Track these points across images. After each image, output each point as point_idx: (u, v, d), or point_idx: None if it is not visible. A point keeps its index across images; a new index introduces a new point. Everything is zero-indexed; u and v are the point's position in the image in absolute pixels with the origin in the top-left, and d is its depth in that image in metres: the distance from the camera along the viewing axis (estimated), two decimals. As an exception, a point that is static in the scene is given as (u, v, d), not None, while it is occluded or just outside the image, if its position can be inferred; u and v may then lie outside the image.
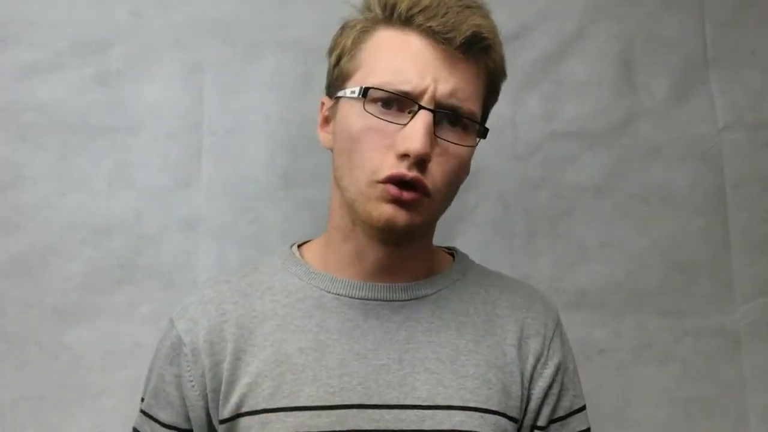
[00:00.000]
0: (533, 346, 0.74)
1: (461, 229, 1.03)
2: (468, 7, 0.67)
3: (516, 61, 1.07)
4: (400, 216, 0.66)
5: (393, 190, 0.65)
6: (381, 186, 0.66)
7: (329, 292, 0.72)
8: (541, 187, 1.05)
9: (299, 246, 0.79)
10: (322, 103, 0.75)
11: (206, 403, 0.71)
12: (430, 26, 0.66)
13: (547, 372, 0.74)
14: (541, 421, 0.74)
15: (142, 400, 0.75)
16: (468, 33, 0.66)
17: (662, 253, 1.06)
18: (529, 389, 0.73)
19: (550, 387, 0.74)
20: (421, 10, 0.66)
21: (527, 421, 0.73)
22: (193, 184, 0.99)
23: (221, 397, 0.70)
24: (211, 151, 0.99)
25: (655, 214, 1.07)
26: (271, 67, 1.01)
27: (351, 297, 0.72)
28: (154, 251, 0.97)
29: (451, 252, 0.82)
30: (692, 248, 1.07)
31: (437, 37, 0.66)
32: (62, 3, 0.97)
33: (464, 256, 0.81)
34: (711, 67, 1.10)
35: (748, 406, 1.05)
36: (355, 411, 0.67)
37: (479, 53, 0.68)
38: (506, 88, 1.05)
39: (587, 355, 1.02)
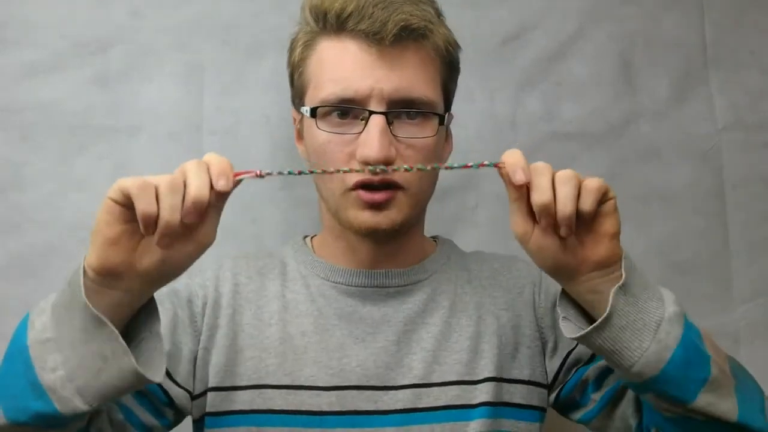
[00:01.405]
0: (525, 297, 0.78)
1: (461, 229, 1.03)
2: (392, 3, 0.67)
3: (516, 61, 1.07)
4: (381, 220, 0.68)
5: (365, 195, 0.67)
6: (353, 193, 0.68)
7: (329, 280, 0.75)
8: (541, 187, 1.05)
9: (312, 238, 0.83)
10: (294, 118, 0.79)
11: (194, 353, 0.71)
12: (360, 29, 0.66)
13: (546, 305, 0.77)
14: (567, 343, 0.75)
15: None
16: (395, 30, 0.66)
17: (662, 253, 1.06)
18: (542, 334, 0.76)
19: (555, 316, 0.75)
20: (349, 15, 0.67)
21: (560, 353, 0.75)
22: (193, 184, 0.99)
23: (224, 364, 0.71)
24: (211, 151, 0.99)
25: (655, 214, 1.07)
26: (271, 67, 1.01)
27: (349, 285, 0.75)
28: (155, 251, 0.97)
29: (434, 238, 0.85)
30: (691, 248, 1.07)
31: (369, 38, 0.66)
32: (62, 3, 0.97)
33: (446, 241, 0.84)
34: (711, 67, 1.10)
35: (748, 406, 1.05)
36: (354, 392, 0.70)
37: (418, 41, 0.69)
38: (506, 88, 1.07)
39: (587, 355, 1.02)
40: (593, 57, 1.08)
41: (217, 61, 1.00)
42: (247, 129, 1.00)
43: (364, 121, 0.67)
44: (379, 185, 0.67)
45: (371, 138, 0.65)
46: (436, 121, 0.70)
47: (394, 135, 0.67)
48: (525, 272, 0.80)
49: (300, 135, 0.77)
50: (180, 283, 0.74)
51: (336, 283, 0.75)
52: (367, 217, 0.68)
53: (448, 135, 0.78)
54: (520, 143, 1.06)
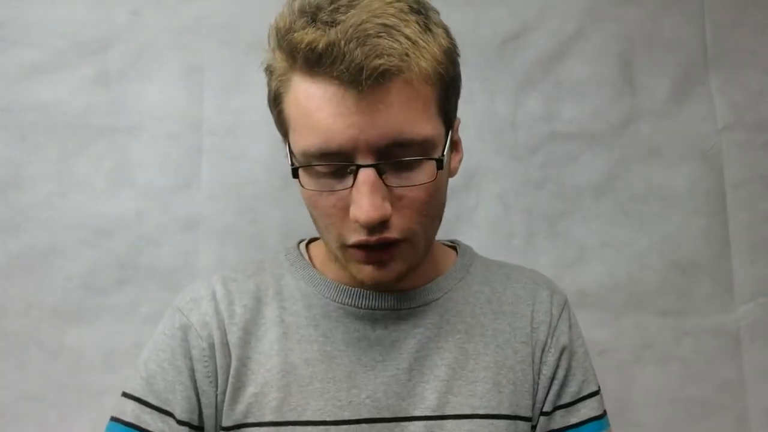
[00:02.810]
0: (540, 337, 0.73)
1: (461, 229, 1.03)
2: (366, 37, 0.56)
3: (516, 61, 1.07)
4: (385, 274, 0.64)
5: (361, 255, 0.62)
6: (351, 250, 0.63)
7: (335, 301, 0.70)
8: (541, 187, 1.05)
9: (307, 244, 0.77)
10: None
11: (218, 402, 0.69)
12: (334, 74, 0.57)
13: (551, 359, 0.72)
14: (547, 407, 0.72)
15: (134, 397, 0.69)
16: (371, 79, 0.56)
17: (662, 253, 1.06)
18: (538, 380, 0.72)
19: (554, 373, 0.72)
20: (318, 57, 0.57)
21: (536, 411, 0.72)
22: (193, 184, 0.99)
23: (227, 402, 0.68)
24: (211, 151, 0.99)
25: (655, 214, 1.07)
26: (271, 67, 1.01)
27: (357, 307, 0.69)
28: (155, 251, 0.97)
29: (454, 245, 0.80)
30: (692, 248, 1.07)
31: (344, 83, 0.57)
32: (62, 3, 0.97)
33: (466, 250, 0.79)
34: (711, 67, 1.10)
35: (748, 406, 1.05)
36: (364, 426, 0.66)
37: (401, 74, 0.58)
38: (506, 88, 1.07)
39: (587, 355, 1.02)
40: (593, 57, 1.08)
41: (217, 61, 1.00)
42: (247, 129, 1.00)
43: (352, 174, 0.59)
44: (377, 245, 0.61)
45: (361, 197, 0.58)
46: (433, 162, 0.61)
47: (387, 185, 0.59)
48: (547, 306, 0.74)
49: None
50: (174, 336, 0.70)
51: (343, 304, 0.69)
52: (369, 272, 0.63)
53: (456, 143, 0.70)
54: (520, 143, 1.06)
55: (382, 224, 0.60)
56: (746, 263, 1.07)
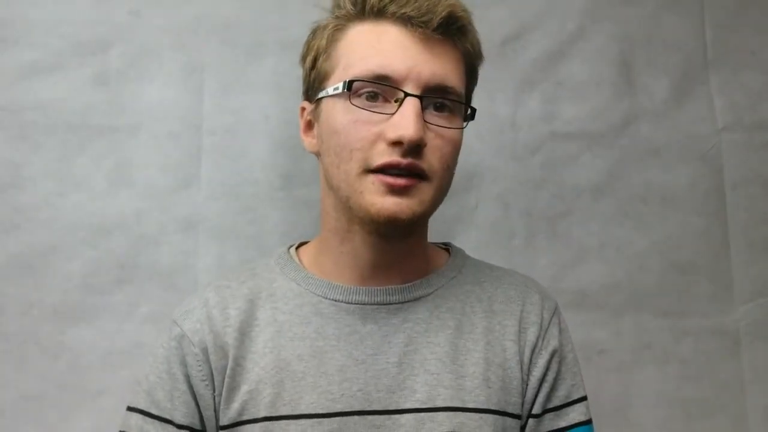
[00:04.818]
0: (530, 338, 0.74)
1: (461, 229, 1.03)
2: None
3: (516, 61, 1.07)
4: (403, 209, 0.65)
5: (388, 178, 0.64)
6: (372, 176, 0.65)
7: (326, 297, 0.72)
8: (541, 187, 1.06)
9: (297, 248, 0.79)
10: (303, 109, 0.75)
11: (216, 404, 0.70)
12: (404, 12, 0.66)
13: (542, 361, 0.73)
14: (536, 409, 0.73)
15: (137, 410, 0.71)
16: (444, 14, 0.66)
17: (662, 253, 1.06)
18: (527, 381, 0.73)
19: (544, 375, 0.73)
20: (392, 0, 0.66)
21: (525, 412, 0.73)
22: (193, 184, 0.99)
23: (222, 401, 0.70)
24: (211, 151, 0.99)
25: (655, 214, 1.07)
26: (271, 67, 1.01)
27: (348, 302, 0.71)
28: (154, 251, 0.97)
29: (447, 248, 0.82)
30: (692, 248, 1.07)
31: (413, 21, 0.66)
32: (62, 3, 0.97)
33: (459, 251, 0.81)
34: (711, 67, 1.10)
35: (748, 406, 1.05)
36: (356, 417, 0.67)
37: (456, 35, 0.68)
38: (506, 88, 1.07)
39: (587, 355, 1.02)
40: (593, 57, 1.08)
41: (217, 61, 1.00)
42: (247, 129, 1.00)
43: (397, 103, 0.65)
44: (404, 170, 0.64)
45: (407, 117, 0.63)
46: (461, 116, 0.69)
47: (425, 121, 0.65)
48: (538, 309, 0.76)
49: (309, 126, 0.74)
50: (169, 346, 0.72)
51: (334, 300, 0.71)
52: (388, 204, 0.64)
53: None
54: (520, 143, 1.06)
55: (415, 152, 0.64)
56: (745, 263, 1.08)
